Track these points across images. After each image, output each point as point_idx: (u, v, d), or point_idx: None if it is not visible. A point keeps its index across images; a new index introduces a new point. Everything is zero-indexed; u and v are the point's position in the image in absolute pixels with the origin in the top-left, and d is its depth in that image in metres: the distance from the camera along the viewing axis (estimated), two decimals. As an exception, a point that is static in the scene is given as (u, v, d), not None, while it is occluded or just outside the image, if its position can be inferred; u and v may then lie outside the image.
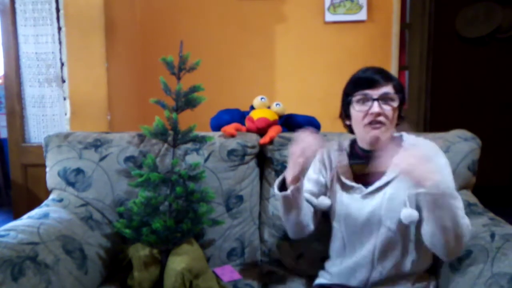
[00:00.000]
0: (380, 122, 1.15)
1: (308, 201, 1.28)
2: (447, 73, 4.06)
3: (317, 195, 1.30)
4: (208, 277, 1.34)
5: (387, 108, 1.14)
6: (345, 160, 1.27)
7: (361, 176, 1.23)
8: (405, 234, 1.17)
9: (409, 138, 1.24)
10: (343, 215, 1.23)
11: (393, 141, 1.22)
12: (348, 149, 1.29)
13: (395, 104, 1.16)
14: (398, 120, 1.20)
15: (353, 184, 1.22)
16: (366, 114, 1.15)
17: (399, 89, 1.18)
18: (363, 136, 1.21)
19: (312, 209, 1.29)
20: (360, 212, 1.19)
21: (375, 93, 1.15)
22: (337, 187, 1.26)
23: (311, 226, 1.30)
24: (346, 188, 1.24)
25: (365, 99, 1.16)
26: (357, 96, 1.17)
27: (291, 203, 1.21)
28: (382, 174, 1.18)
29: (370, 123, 1.16)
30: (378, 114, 1.14)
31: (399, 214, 1.13)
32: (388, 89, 1.15)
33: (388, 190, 1.16)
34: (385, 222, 1.16)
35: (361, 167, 1.24)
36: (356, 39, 2.48)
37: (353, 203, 1.21)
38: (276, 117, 1.69)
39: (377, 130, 1.15)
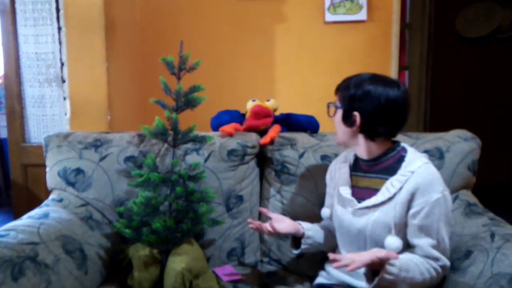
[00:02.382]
0: None
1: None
2: (447, 73, 4.06)
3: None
4: (208, 277, 1.34)
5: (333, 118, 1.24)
6: (346, 172, 1.28)
7: (357, 189, 1.23)
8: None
9: (411, 160, 1.14)
10: (337, 226, 1.27)
11: (394, 157, 1.17)
12: (351, 160, 1.30)
13: (335, 117, 1.22)
14: (365, 130, 1.15)
15: (348, 196, 1.22)
16: None
17: (347, 101, 1.15)
18: None
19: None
20: (350, 228, 1.20)
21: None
22: (336, 197, 1.28)
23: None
24: (341, 199, 1.24)
25: None
26: None
27: (313, 246, 1.33)
28: (375, 191, 1.17)
29: None
30: None
31: (383, 239, 1.12)
32: (335, 99, 1.22)
33: (376, 213, 1.14)
34: (370, 243, 1.16)
35: (359, 179, 1.24)
36: (356, 39, 2.47)
37: (345, 216, 1.21)
38: (270, 109, 1.71)
39: None
